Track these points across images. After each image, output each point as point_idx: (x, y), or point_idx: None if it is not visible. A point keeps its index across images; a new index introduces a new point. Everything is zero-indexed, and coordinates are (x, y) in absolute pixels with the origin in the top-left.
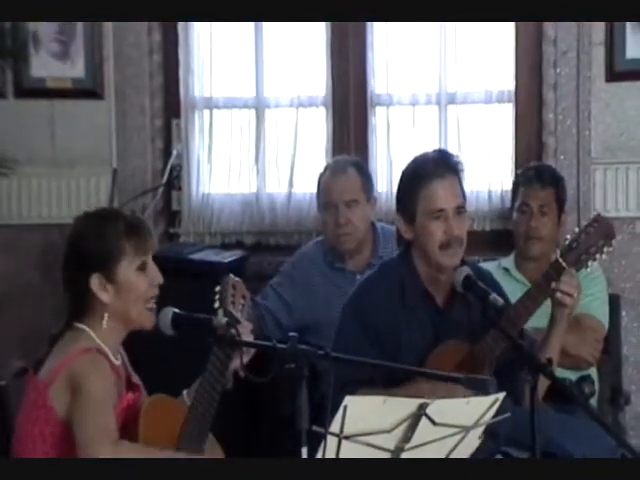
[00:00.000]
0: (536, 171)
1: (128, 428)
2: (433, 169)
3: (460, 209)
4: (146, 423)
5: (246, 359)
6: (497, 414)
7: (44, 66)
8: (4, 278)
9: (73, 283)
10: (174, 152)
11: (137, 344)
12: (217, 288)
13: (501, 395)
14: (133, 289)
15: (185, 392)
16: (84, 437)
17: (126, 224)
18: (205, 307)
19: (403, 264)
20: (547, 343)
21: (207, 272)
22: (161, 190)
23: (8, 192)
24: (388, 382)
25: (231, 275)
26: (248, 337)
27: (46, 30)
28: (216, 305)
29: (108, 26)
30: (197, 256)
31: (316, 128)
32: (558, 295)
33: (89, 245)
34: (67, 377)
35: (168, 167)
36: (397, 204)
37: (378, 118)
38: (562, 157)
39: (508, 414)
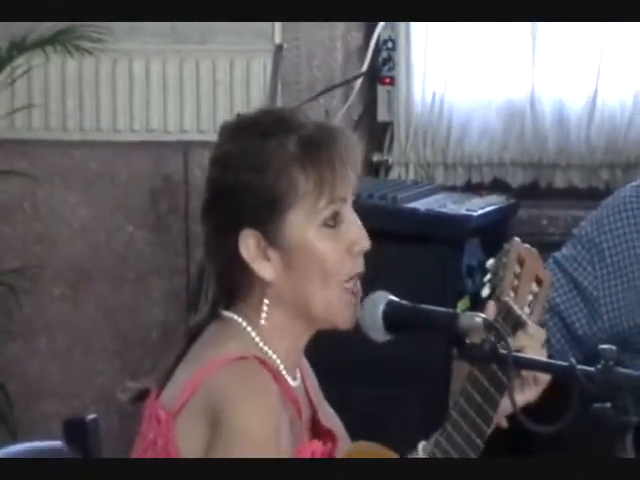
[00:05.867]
0: None
1: None
2: None
3: None
4: None
5: (530, 394)
6: None
7: None
8: None
9: (216, 243)
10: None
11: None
12: (489, 262)
13: None
14: (316, 260)
15: (422, 445)
16: None
17: (301, 140)
18: (439, 291)
19: None
20: None
21: (441, 233)
22: (359, 83)
23: None
24: None
25: (517, 240)
26: (535, 352)
27: None
28: (485, 292)
29: None
30: (422, 204)
31: None
32: None
33: (235, 179)
34: (202, 401)
35: (370, 47)
36: None
37: None
38: None
39: None
